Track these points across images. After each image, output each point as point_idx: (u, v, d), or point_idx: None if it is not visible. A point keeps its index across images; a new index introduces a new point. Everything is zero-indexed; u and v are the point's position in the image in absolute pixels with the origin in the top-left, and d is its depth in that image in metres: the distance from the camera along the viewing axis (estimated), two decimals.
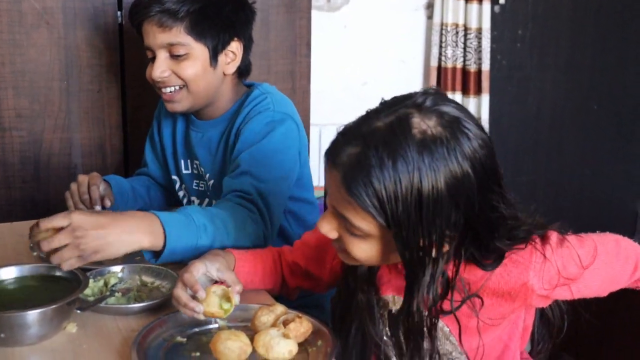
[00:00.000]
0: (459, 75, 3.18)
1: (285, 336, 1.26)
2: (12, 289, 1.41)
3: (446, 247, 1.16)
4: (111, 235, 1.33)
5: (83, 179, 1.79)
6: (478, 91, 3.20)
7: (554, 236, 1.24)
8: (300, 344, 1.28)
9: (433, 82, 3.18)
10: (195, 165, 1.91)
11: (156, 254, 1.44)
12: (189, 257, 1.44)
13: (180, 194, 1.98)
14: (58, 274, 1.43)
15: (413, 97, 1.17)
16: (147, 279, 1.55)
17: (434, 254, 1.15)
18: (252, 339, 1.26)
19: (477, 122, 1.17)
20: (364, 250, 1.20)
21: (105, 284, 1.50)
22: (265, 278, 1.51)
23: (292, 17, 2.50)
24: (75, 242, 1.30)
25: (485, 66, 3.16)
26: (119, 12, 2.30)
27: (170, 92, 1.76)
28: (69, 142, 2.31)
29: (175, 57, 1.72)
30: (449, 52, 3.14)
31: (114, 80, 2.33)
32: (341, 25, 3.05)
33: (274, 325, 1.32)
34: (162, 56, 1.73)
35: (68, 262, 1.32)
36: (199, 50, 1.72)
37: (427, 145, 1.10)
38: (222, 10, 1.73)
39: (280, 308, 1.36)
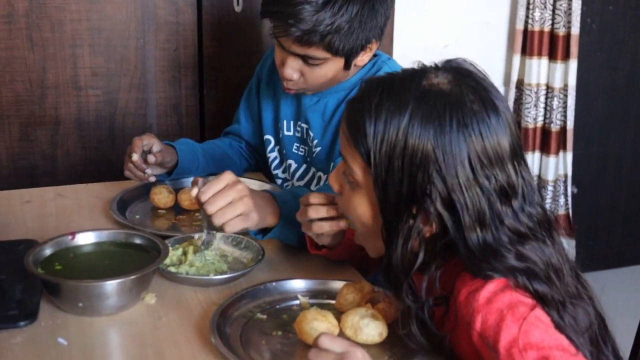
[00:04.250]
0: (546, 39, 3.01)
1: (375, 317, 1.18)
2: (90, 255, 1.36)
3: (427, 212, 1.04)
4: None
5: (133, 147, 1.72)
6: (566, 56, 3.03)
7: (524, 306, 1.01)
8: (388, 325, 1.20)
9: (518, 45, 3.02)
10: (300, 128, 1.82)
11: (264, 231, 1.45)
12: (294, 236, 1.46)
13: (272, 155, 1.90)
14: (137, 241, 1.38)
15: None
16: (226, 248, 1.49)
17: (413, 210, 1.05)
18: (338, 319, 1.19)
19: (505, 105, 1.08)
20: (354, 209, 1.14)
21: (184, 253, 1.45)
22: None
23: None
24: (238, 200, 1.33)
25: (575, 30, 2.98)
26: None
27: (294, 89, 1.69)
28: (144, 102, 2.26)
29: (308, 63, 1.61)
30: (537, 14, 2.97)
31: (191, 39, 2.26)
32: None
33: (361, 304, 1.25)
34: (293, 60, 1.61)
35: (232, 222, 1.33)
36: (334, 61, 1.61)
37: (428, 96, 1.05)
38: (367, 22, 1.57)
39: (367, 286, 1.28)
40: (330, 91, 1.74)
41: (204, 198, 1.32)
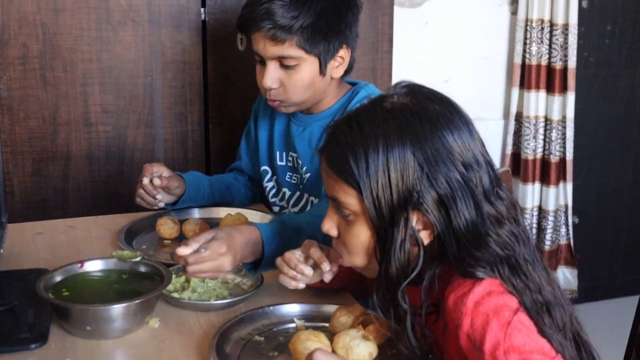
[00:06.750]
0: (543, 72, 3.09)
1: (365, 338, 1.25)
2: (97, 282, 1.44)
3: (418, 215, 1.14)
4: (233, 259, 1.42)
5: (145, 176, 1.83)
6: (563, 89, 3.10)
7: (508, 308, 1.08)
8: (378, 346, 1.26)
9: (516, 79, 3.10)
10: (291, 158, 1.92)
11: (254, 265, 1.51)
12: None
13: (269, 185, 1.99)
14: (142, 269, 1.46)
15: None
16: (228, 275, 1.56)
17: (405, 215, 1.13)
18: (331, 340, 1.25)
19: (460, 112, 1.19)
20: (356, 237, 1.20)
21: (187, 280, 1.52)
22: (354, 276, 1.49)
23: (374, 13, 2.47)
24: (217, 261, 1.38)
25: (572, 63, 3.06)
26: (202, 9, 2.32)
27: (277, 102, 1.79)
28: (152, 137, 2.35)
29: (285, 66, 1.73)
30: (534, 48, 3.06)
31: (197, 77, 2.35)
32: (423, 22, 3.01)
33: (353, 326, 1.31)
34: (272, 66, 1.74)
35: (204, 274, 1.39)
36: (309, 61, 1.73)
37: (394, 112, 1.15)
38: (333, 20, 1.72)
39: (359, 309, 1.34)
40: (313, 119, 1.85)
41: (190, 263, 1.37)
